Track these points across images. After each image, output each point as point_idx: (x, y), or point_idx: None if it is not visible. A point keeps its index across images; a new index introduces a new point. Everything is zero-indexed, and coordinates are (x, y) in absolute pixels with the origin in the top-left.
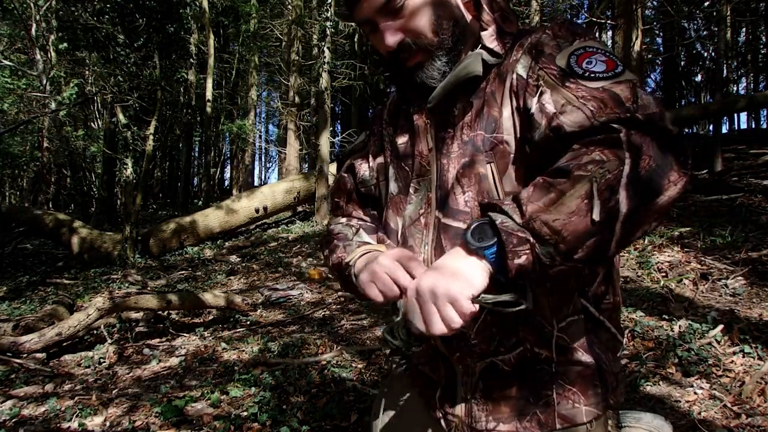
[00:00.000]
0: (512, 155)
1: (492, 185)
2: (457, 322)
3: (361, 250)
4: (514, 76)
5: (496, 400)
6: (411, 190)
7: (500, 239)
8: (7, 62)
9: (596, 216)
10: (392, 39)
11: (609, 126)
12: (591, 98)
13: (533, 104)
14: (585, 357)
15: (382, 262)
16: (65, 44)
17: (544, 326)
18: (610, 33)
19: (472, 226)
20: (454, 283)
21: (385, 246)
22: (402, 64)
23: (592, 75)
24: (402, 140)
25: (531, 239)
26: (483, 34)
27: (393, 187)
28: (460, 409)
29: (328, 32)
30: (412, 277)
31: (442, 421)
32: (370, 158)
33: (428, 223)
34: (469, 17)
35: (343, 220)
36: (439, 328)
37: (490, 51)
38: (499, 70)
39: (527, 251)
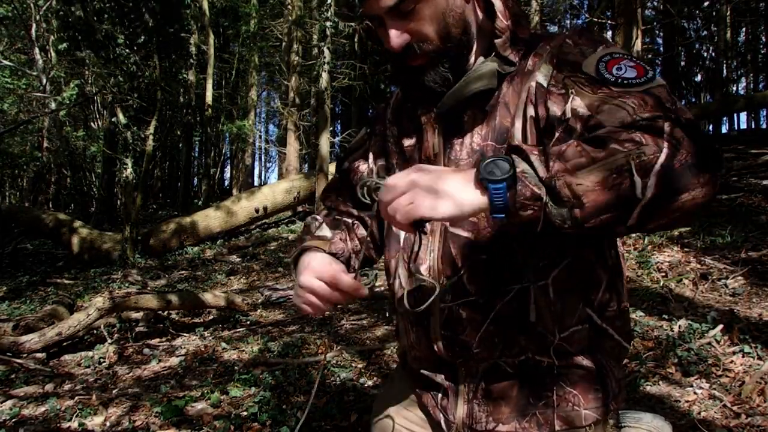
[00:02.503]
0: None
1: None
2: (413, 222)
3: (299, 249)
4: (533, 84)
5: (496, 401)
6: None
7: (514, 185)
8: (7, 62)
9: (622, 192)
10: (397, 41)
11: (653, 119)
12: (630, 97)
13: (564, 111)
14: (587, 362)
15: (303, 281)
16: (65, 44)
17: (546, 336)
18: (610, 33)
19: (489, 159)
20: (442, 198)
21: (329, 243)
22: (406, 63)
23: (625, 81)
24: (408, 143)
25: (545, 198)
26: (497, 42)
27: None
28: (461, 411)
29: (328, 32)
30: (336, 288)
31: (443, 423)
32: (370, 159)
33: (434, 230)
34: (480, 20)
35: (320, 214)
36: (401, 217)
37: (503, 59)
38: (512, 79)
39: (536, 207)
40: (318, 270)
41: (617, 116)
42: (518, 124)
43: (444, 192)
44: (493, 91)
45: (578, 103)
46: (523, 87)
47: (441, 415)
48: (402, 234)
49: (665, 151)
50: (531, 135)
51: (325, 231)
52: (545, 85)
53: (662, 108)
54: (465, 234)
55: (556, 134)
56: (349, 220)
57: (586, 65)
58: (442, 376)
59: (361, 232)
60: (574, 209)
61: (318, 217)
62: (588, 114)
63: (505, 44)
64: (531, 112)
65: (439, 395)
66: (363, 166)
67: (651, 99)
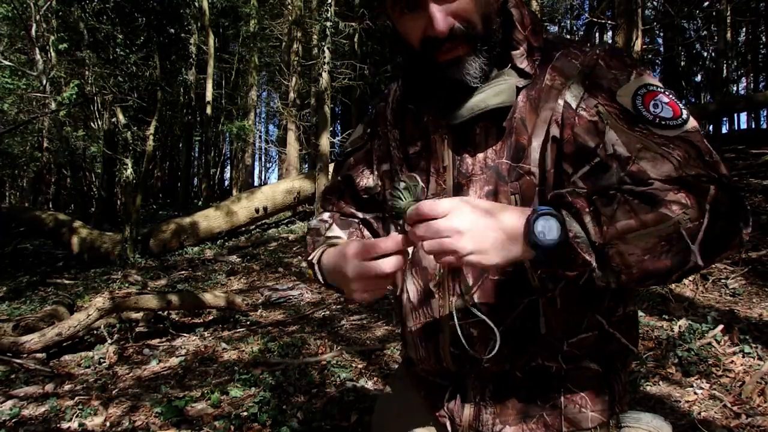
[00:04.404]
0: (537, 188)
1: None
2: (441, 260)
3: (323, 248)
4: (560, 103)
5: (503, 403)
6: None
7: (564, 250)
8: (7, 62)
9: (669, 262)
10: (444, 23)
11: (699, 179)
12: (674, 147)
13: (598, 144)
14: (594, 365)
15: (355, 271)
16: (65, 44)
17: (555, 344)
18: (610, 33)
19: (540, 214)
20: (488, 252)
21: (347, 238)
22: (433, 58)
23: (663, 122)
24: (413, 150)
25: (594, 264)
26: (514, 53)
27: None
28: (468, 413)
29: (328, 32)
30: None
31: (448, 425)
32: (375, 163)
33: None
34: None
35: (325, 215)
36: (440, 258)
37: (520, 71)
38: (528, 93)
39: (582, 270)
40: (359, 251)
41: (662, 169)
42: (536, 143)
43: (491, 245)
44: (510, 107)
45: (614, 139)
46: (544, 104)
47: (447, 417)
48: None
49: (707, 217)
50: (550, 156)
51: (337, 231)
52: (574, 106)
53: (704, 162)
54: None
55: (587, 167)
56: (356, 221)
57: (621, 95)
58: (449, 382)
59: (367, 234)
60: (621, 275)
61: (325, 218)
62: (627, 155)
63: (522, 56)
64: (555, 131)
65: (446, 398)
66: (366, 173)
67: (693, 151)
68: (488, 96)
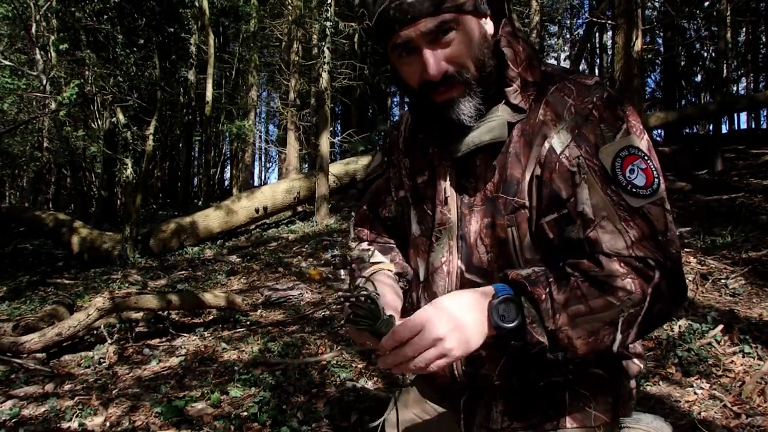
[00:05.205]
0: (528, 220)
1: (512, 251)
2: (430, 369)
3: (372, 269)
4: (546, 146)
5: (512, 402)
6: (433, 239)
7: (521, 332)
8: (7, 62)
9: (611, 345)
10: (437, 69)
11: (646, 263)
12: (632, 224)
13: (569, 196)
14: (599, 371)
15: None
16: (65, 44)
17: (561, 364)
18: (610, 33)
19: (500, 299)
20: (465, 344)
21: (392, 264)
22: (430, 99)
23: (634, 190)
24: (421, 179)
25: (546, 344)
26: (507, 90)
27: (415, 228)
28: (480, 412)
29: (328, 32)
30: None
31: (462, 424)
32: (393, 191)
33: (450, 271)
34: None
35: (364, 244)
36: (414, 366)
37: (514, 107)
38: (523, 128)
39: (536, 348)
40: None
41: (616, 245)
42: (528, 177)
43: (470, 335)
44: (503, 142)
45: (585, 198)
46: (534, 140)
47: (461, 417)
48: (421, 273)
49: (647, 301)
50: (534, 193)
51: (380, 257)
52: (558, 152)
53: (656, 243)
54: (479, 280)
55: (555, 214)
56: (391, 245)
57: (603, 153)
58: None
59: (400, 258)
60: (568, 352)
61: (365, 247)
62: (591, 218)
63: (516, 92)
64: (537, 171)
65: (461, 402)
66: (389, 200)
67: (648, 230)
68: (481, 133)
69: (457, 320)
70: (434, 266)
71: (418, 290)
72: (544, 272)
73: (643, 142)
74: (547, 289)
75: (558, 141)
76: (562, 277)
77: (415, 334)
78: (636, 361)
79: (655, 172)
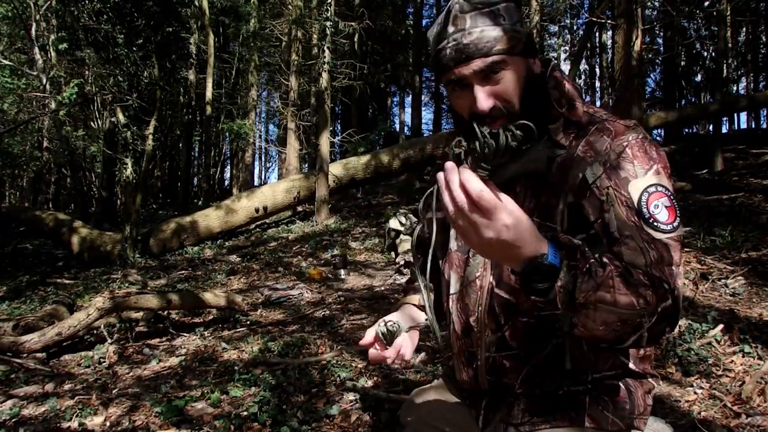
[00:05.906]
0: None
1: None
2: (471, 237)
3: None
4: (579, 176)
5: (533, 401)
6: (470, 254)
7: (547, 293)
8: (7, 62)
9: (611, 341)
10: (486, 103)
11: (662, 284)
12: (653, 248)
13: (597, 219)
14: (617, 382)
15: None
16: (65, 44)
17: (580, 376)
18: (610, 33)
19: (543, 268)
20: (505, 235)
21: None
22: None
23: (655, 224)
24: None
25: (562, 311)
26: (551, 127)
27: (453, 244)
28: (502, 410)
29: (328, 32)
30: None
31: (480, 420)
32: (424, 211)
33: (483, 286)
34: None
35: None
36: (477, 242)
37: (555, 143)
38: (563, 161)
39: (548, 306)
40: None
41: (637, 261)
42: (561, 206)
43: (512, 244)
44: (543, 174)
45: (611, 219)
46: (570, 172)
47: (481, 413)
48: (455, 286)
49: (657, 317)
50: (565, 218)
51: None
52: (590, 182)
53: (669, 271)
54: (506, 296)
55: (583, 235)
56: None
57: (632, 187)
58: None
59: None
60: (575, 329)
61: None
62: (616, 237)
63: (558, 129)
64: (570, 198)
65: (484, 402)
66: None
67: (667, 256)
68: (523, 163)
69: (520, 231)
70: (469, 280)
71: (449, 301)
72: (590, 251)
73: (670, 185)
74: (587, 266)
75: (591, 172)
76: (600, 262)
77: (491, 206)
78: (650, 379)
79: (677, 212)
